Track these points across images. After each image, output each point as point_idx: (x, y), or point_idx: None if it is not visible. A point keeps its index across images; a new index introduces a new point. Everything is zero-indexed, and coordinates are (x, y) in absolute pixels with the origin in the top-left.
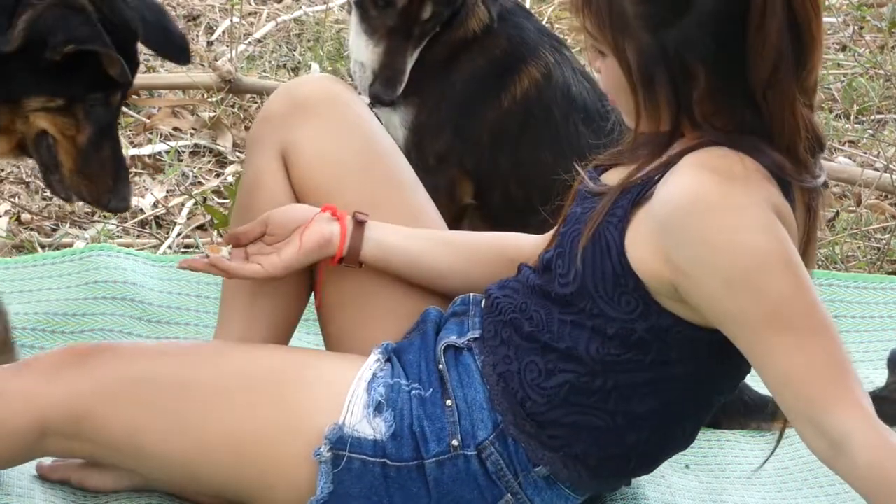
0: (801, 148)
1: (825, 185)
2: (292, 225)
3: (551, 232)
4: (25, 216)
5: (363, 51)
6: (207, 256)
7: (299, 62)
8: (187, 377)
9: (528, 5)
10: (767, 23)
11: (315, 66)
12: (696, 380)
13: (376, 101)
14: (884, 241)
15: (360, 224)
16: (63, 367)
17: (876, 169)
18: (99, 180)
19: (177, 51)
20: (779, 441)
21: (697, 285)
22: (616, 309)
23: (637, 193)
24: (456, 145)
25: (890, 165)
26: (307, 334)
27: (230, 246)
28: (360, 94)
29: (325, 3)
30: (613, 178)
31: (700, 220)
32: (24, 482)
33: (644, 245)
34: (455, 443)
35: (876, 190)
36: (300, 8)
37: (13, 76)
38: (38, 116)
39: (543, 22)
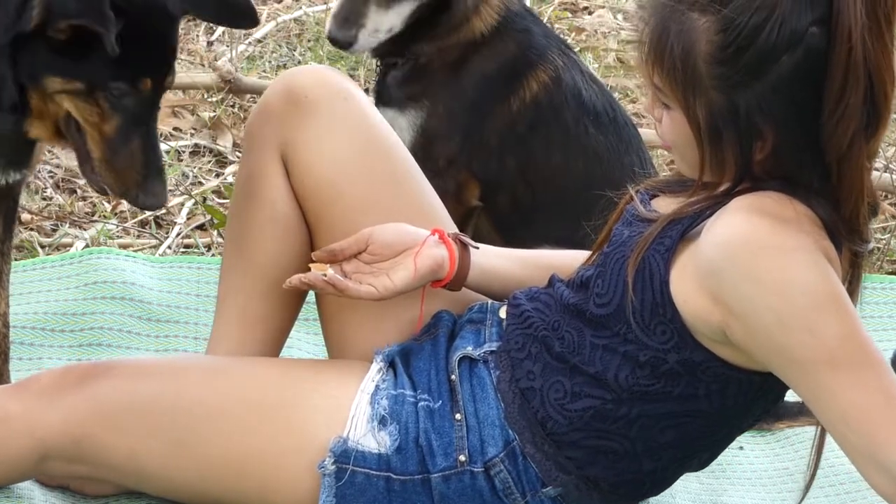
0: (862, 213)
1: (871, 251)
2: (399, 247)
3: None
4: (25, 216)
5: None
6: (325, 275)
7: (299, 62)
8: (187, 398)
9: (528, 6)
10: (849, 94)
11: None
12: (720, 416)
13: (334, 44)
14: (884, 241)
15: (465, 248)
16: (62, 389)
17: (876, 169)
18: (127, 174)
19: (236, 14)
20: (819, 452)
21: (747, 325)
22: (651, 337)
23: (687, 225)
24: (465, 148)
25: (890, 165)
26: (307, 334)
27: (329, 267)
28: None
29: (325, 3)
30: (664, 204)
31: (751, 261)
32: (24, 483)
33: (690, 283)
34: (462, 458)
35: (876, 190)
36: (300, 8)
37: (34, 55)
38: (63, 98)
39: (543, 22)
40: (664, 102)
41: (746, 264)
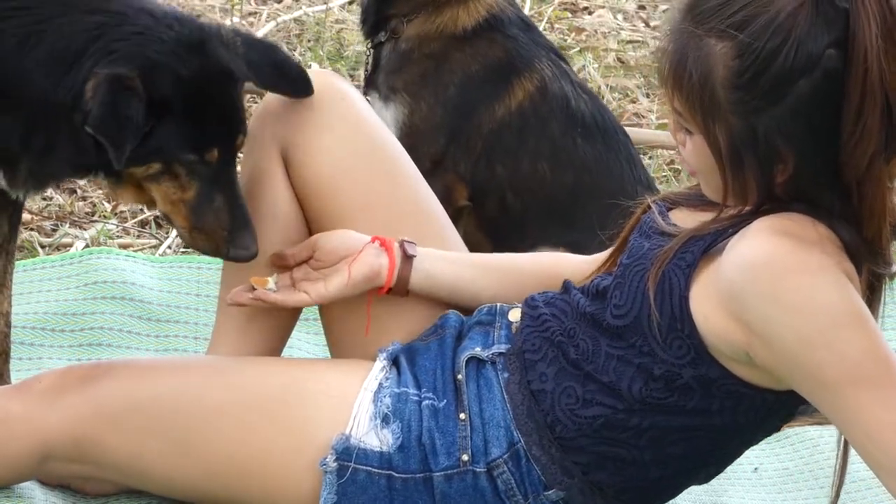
0: (884, 235)
1: (892, 275)
2: (341, 253)
3: (600, 255)
4: (25, 216)
5: None
6: (254, 289)
7: (299, 62)
8: (188, 398)
9: (528, 6)
10: (866, 115)
11: (315, 66)
12: (732, 431)
13: None
14: None
15: (408, 255)
16: (64, 390)
17: None
18: (214, 233)
19: (293, 85)
20: (844, 466)
21: (770, 345)
22: (667, 351)
23: (709, 242)
24: (451, 150)
25: None
26: (307, 334)
27: (275, 276)
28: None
29: (325, 3)
30: (682, 217)
31: (773, 282)
32: (24, 482)
33: (711, 301)
34: (465, 458)
35: None
36: (300, 8)
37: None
38: (152, 190)
39: (543, 23)
40: (686, 128)
41: (768, 285)
